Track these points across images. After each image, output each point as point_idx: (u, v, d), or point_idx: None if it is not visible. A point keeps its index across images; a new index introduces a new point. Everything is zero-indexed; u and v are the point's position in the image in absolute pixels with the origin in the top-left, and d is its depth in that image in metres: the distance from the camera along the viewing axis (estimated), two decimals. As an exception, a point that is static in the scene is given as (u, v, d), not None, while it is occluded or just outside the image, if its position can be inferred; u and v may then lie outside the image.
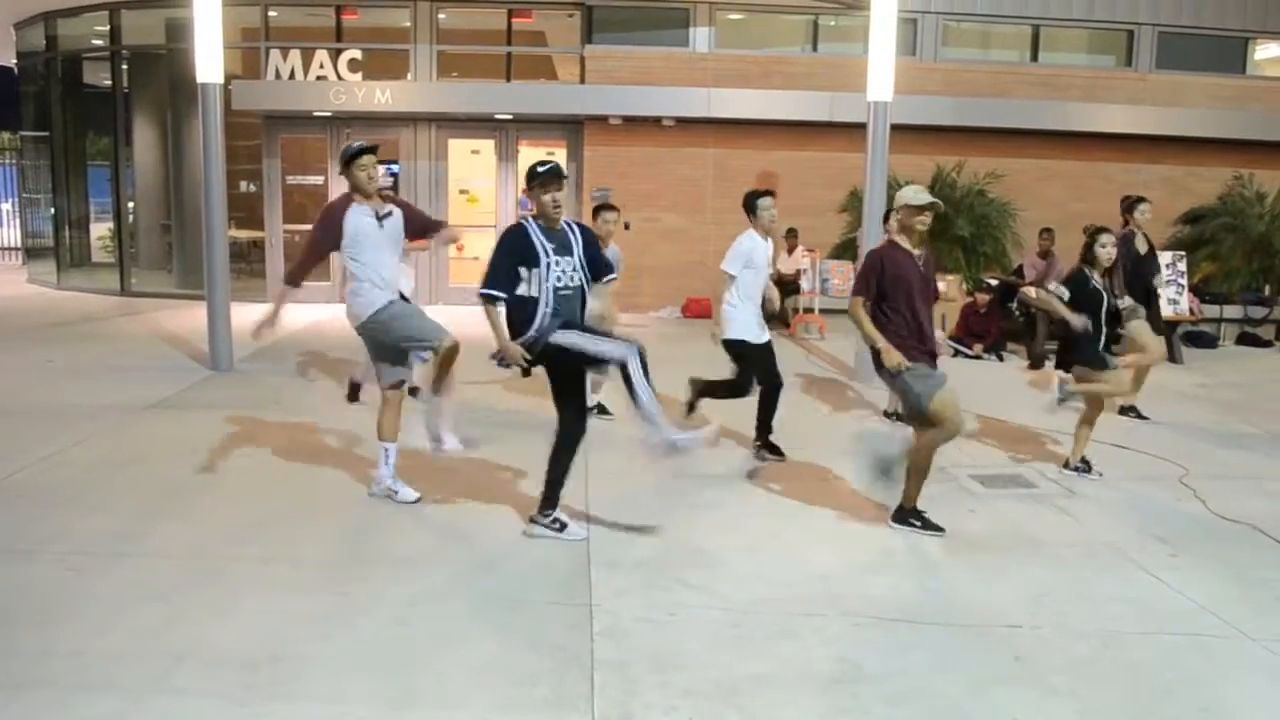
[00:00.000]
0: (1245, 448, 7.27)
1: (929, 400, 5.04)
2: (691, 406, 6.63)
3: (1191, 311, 11.65)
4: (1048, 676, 3.71)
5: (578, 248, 4.89)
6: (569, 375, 4.99)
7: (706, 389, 6.61)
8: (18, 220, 20.96)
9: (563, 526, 5.03)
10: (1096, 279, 6.20)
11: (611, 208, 7.31)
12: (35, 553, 4.67)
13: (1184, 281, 11.39)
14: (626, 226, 14.14)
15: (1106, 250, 6.14)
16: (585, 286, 4.93)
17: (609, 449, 6.60)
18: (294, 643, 3.82)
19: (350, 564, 4.65)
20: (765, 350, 6.47)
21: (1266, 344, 12.54)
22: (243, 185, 14.72)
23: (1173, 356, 11.07)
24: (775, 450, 6.58)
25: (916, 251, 5.25)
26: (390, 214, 5.40)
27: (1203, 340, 12.25)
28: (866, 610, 4.24)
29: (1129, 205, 8.53)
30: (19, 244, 20.79)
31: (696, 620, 4.14)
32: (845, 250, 12.83)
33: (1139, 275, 8.16)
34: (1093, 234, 6.25)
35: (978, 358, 10.91)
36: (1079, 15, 14.24)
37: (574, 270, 4.86)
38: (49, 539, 4.84)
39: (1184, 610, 4.35)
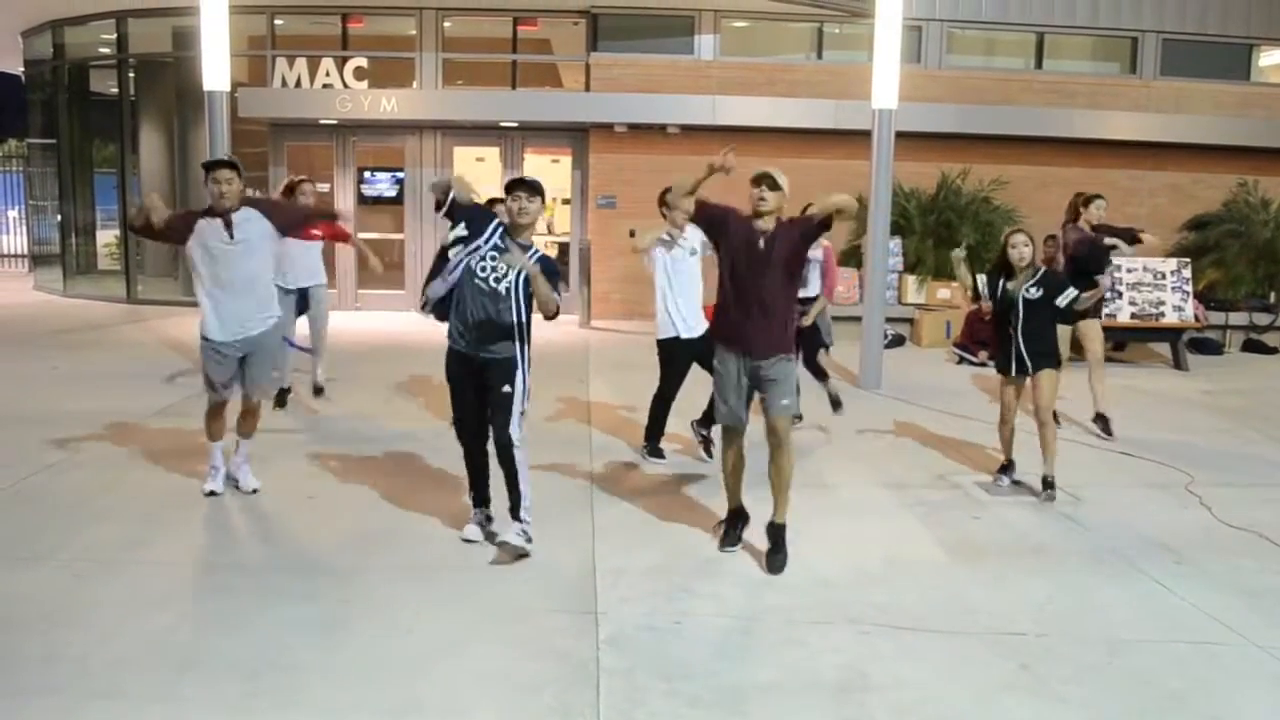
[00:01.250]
0: (1251, 455, 7.25)
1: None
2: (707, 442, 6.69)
3: (1196, 318, 11.63)
4: (1054, 685, 3.70)
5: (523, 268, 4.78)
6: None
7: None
8: (24, 227, 21.02)
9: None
10: (1009, 282, 6.01)
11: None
12: (40, 559, 4.67)
13: (1189, 288, 11.37)
14: (632, 234, 14.18)
15: (1017, 251, 5.92)
16: (502, 300, 4.80)
17: (612, 457, 6.61)
18: (298, 651, 3.82)
19: (354, 572, 4.65)
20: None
21: (1272, 351, 12.51)
22: (249, 193, 14.74)
23: (1178, 363, 11.07)
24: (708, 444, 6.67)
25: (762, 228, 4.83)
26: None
27: (1208, 347, 12.23)
28: (873, 618, 4.23)
29: (1085, 201, 7.96)
30: (26, 251, 20.85)
31: (702, 628, 4.13)
32: (850, 257, 12.83)
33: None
34: (1006, 235, 6.11)
35: (983, 364, 10.91)
36: (1083, 22, 14.24)
37: (503, 277, 4.79)
38: (54, 546, 4.84)
39: (1190, 618, 4.33)
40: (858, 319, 9.75)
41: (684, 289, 6.38)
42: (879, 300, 9.69)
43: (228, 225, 5.38)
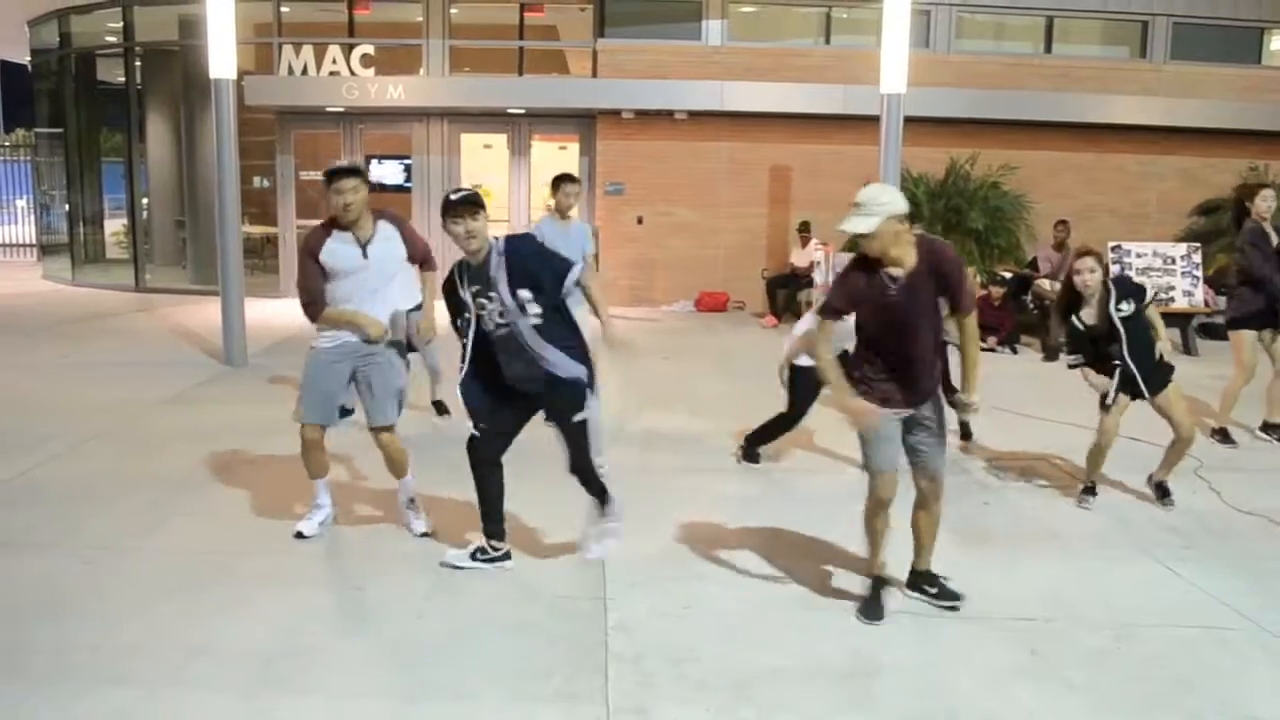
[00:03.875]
0: (1260, 440, 7.23)
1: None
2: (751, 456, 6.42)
3: (1206, 303, 11.58)
4: (1063, 670, 3.70)
5: (502, 283, 4.20)
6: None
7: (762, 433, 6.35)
8: (33, 217, 21.10)
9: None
10: (1079, 318, 5.44)
11: (572, 179, 6.80)
12: (51, 547, 4.70)
13: (1199, 273, 11.33)
14: (639, 220, 14.19)
15: (1081, 278, 5.32)
16: (523, 325, 4.23)
17: (619, 444, 6.62)
18: (308, 637, 3.84)
19: (364, 559, 4.67)
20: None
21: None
22: (256, 181, 14.79)
23: (1187, 348, 11.02)
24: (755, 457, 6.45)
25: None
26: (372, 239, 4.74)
27: (1217, 332, 12.13)
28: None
29: (1249, 194, 7.15)
30: (34, 240, 20.93)
31: (710, 613, 4.14)
32: (855, 244, 12.81)
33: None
34: (1078, 255, 5.40)
35: (992, 350, 10.89)
36: (1093, 6, 14.16)
37: (500, 312, 4.21)
38: (64, 533, 4.87)
39: (1199, 603, 4.32)
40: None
41: None
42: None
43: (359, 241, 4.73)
